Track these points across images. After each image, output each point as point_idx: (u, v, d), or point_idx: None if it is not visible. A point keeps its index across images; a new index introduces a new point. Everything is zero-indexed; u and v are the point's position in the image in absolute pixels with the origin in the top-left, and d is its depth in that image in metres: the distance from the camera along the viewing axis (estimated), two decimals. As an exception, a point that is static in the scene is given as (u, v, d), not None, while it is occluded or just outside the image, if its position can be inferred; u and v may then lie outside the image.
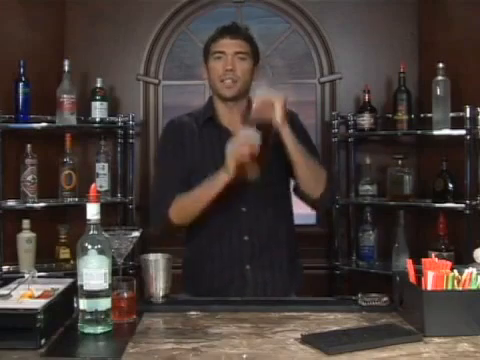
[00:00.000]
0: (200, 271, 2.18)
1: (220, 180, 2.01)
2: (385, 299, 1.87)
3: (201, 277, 2.18)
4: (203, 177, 2.09)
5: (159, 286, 1.92)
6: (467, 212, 3.03)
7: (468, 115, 3.05)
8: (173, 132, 2.25)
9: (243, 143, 1.97)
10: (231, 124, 2.19)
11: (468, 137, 3.05)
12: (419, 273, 1.71)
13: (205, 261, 2.17)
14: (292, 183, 2.22)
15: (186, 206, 2.11)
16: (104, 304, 1.62)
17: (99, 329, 1.60)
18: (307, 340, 1.55)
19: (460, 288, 1.65)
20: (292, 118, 2.23)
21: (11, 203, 3.22)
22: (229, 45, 2.14)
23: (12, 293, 1.67)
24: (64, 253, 3.33)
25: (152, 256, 1.95)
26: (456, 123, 3.12)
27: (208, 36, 2.23)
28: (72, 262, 3.21)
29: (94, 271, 1.60)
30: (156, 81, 3.66)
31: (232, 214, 2.13)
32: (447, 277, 1.64)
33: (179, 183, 2.14)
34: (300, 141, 2.08)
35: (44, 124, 3.26)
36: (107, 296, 1.62)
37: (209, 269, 2.16)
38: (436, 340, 1.57)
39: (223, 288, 2.10)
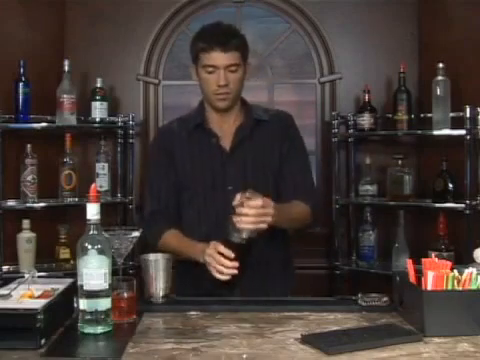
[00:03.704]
0: (188, 275, 2.15)
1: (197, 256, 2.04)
2: (385, 299, 1.87)
3: (189, 281, 2.15)
4: (192, 183, 2.16)
5: (159, 286, 1.92)
6: (467, 212, 3.03)
7: (468, 115, 3.04)
8: (161, 142, 2.29)
9: (219, 270, 1.92)
10: (222, 130, 2.20)
11: (468, 137, 3.05)
12: (419, 273, 1.71)
13: (193, 265, 2.09)
14: None
15: (170, 251, 2.12)
16: (104, 304, 1.62)
17: (99, 329, 1.60)
18: (307, 340, 1.55)
19: (460, 288, 1.64)
20: (287, 123, 2.25)
21: (11, 203, 3.22)
22: (221, 59, 2.08)
23: (12, 293, 1.66)
24: (64, 253, 3.32)
25: (152, 256, 1.95)
26: (456, 123, 3.12)
27: (195, 35, 2.17)
28: (72, 262, 3.21)
29: (94, 271, 1.60)
30: (156, 81, 3.66)
31: (221, 217, 2.07)
32: (447, 277, 1.64)
33: (168, 196, 2.20)
34: (292, 153, 2.18)
35: (44, 124, 3.25)
36: (107, 296, 1.62)
37: (196, 274, 2.08)
38: (436, 340, 1.57)
39: (210, 293, 2.00)
